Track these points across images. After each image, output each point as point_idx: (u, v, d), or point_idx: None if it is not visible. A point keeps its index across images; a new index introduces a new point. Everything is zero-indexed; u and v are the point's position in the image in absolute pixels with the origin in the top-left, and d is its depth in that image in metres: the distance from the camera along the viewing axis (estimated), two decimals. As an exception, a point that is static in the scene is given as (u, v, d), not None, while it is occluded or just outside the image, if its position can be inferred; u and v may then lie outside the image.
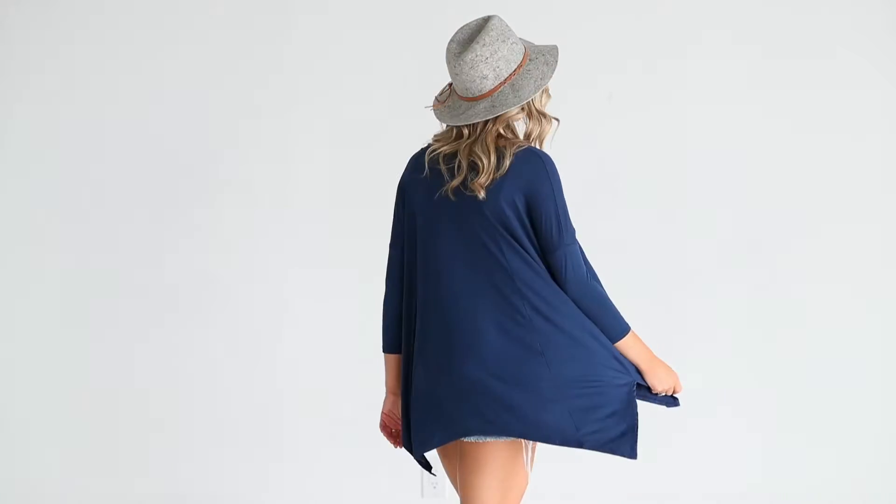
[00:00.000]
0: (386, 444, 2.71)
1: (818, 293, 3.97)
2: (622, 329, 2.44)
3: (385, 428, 2.65)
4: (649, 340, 3.98)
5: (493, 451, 2.38)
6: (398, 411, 2.60)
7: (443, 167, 2.38)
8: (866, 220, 3.97)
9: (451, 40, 2.37)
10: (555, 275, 2.37)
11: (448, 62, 2.37)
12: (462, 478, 2.44)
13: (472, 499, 2.41)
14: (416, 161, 2.48)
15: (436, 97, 2.46)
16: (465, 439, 2.37)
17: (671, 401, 2.57)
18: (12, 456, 4.07)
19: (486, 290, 2.34)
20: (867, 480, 3.97)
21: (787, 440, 4.00)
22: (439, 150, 2.39)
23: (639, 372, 2.48)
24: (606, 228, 3.92)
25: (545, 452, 4.03)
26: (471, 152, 2.35)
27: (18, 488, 4.05)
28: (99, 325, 4.05)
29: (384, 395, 2.65)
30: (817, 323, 3.99)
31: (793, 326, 3.98)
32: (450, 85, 2.45)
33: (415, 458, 2.50)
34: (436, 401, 2.37)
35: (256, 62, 4.01)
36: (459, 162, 2.36)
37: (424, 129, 2.59)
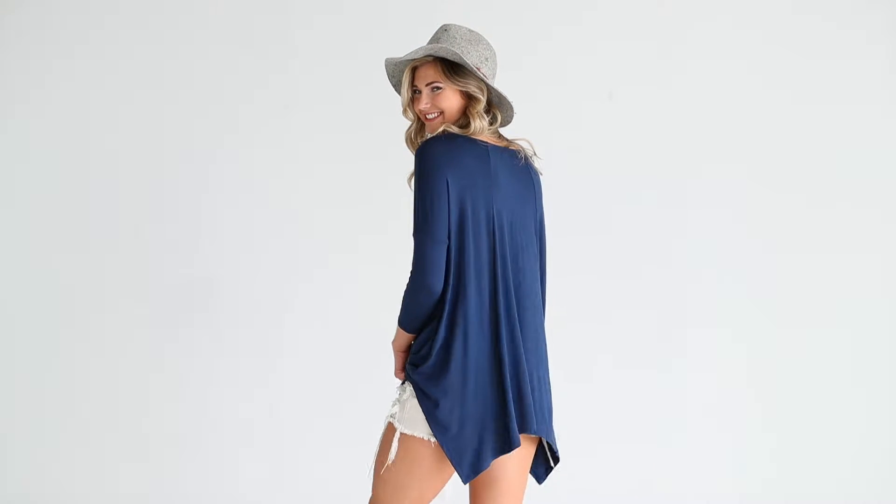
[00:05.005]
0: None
1: (819, 293, 4.00)
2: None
3: None
4: (650, 338, 4.00)
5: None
6: None
7: None
8: (868, 222, 3.99)
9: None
10: None
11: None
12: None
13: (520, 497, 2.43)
14: None
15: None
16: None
17: None
18: (13, 456, 4.08)
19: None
20: (872, 482, 3.98)
21: (787, 441, 4.01)
22: None
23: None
24: (606, 227, 3.94)
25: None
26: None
27: (19, 488, 4.05)
28: (99, 326, 4.06)
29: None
30: (818, 324, 4.00)
31: (794, 328, 4.00)
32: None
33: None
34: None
35: (257, 62, 4.02)
36: None
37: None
